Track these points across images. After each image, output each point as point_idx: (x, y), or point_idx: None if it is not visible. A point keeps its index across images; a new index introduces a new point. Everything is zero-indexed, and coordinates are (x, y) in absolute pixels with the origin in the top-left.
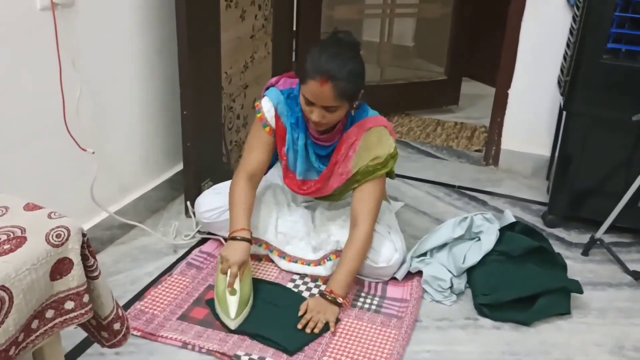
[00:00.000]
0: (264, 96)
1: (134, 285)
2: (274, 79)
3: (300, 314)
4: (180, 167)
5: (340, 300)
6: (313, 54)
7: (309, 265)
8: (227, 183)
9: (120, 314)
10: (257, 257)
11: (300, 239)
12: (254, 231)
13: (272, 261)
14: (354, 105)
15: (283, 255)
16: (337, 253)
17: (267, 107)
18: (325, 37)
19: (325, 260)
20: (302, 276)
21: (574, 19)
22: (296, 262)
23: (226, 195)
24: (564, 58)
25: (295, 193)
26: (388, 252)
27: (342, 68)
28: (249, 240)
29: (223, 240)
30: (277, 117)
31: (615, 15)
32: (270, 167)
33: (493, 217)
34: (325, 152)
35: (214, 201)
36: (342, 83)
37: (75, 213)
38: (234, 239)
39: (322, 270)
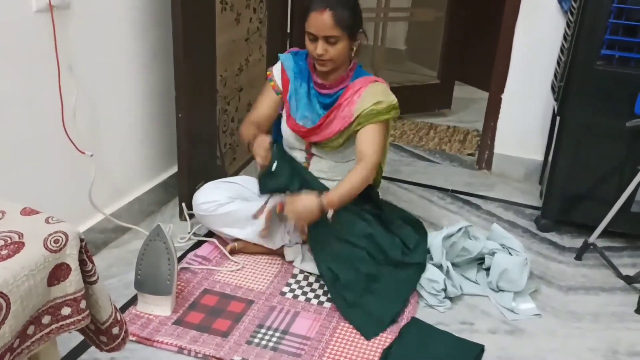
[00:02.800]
0: None
1: (128, 289)
2: (290, 50)
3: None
4: (174, 170)
5: (324, 202)
6: None
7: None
8: (227, 179)
9: (119, 318)
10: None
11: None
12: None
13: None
14: (355, 43)
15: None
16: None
17: (276, 65)
18: None
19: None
20: (297, 281)
21: (568, 25)
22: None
23: (224, 190)
24: (558, 64)
25: (296, 132)
26: None
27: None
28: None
29: (218, 243)
30: (283, 71)
31: (609, 22)
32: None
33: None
34: (329, 100)
35: (211, 194)
36: (340, 10)
37: (68, 216)
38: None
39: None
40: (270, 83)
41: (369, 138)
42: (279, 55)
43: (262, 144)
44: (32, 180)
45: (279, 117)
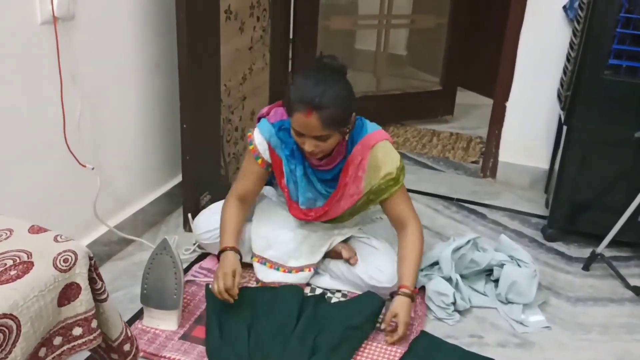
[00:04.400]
0: (256, 128)
1: (134, 303)
2: (265, 110)
3: (388, 328)
4: (177, 180)
5: (413, 294)
6: (296, 83)
7: (290, 272)
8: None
9: (129, 335)
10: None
11: (284, 243)
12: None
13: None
14: (347, 129)
15: (264, 261)
16: (311, 267)
17: (259, 140)
18: (310, 63)
19: (311, 269)
20: (305, 294)
21: (574, 34)
22: (277, 269)
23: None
24: (564, 72)
25: (304, 220)
26: (391, 272)
27: (326, 95)
28: (238, 252)
29: None
30: (272, 150)
31: (616, 31)
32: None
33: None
34: (330, 176)
35: (211, 222)
36: (327, 111)
37: (72, 229)
38: (223, 251)
39: (297, 279)
40: (258, 160)
41: (399, 206)
42: (259, 127)
43: (227, 277)
44: (35, 194)
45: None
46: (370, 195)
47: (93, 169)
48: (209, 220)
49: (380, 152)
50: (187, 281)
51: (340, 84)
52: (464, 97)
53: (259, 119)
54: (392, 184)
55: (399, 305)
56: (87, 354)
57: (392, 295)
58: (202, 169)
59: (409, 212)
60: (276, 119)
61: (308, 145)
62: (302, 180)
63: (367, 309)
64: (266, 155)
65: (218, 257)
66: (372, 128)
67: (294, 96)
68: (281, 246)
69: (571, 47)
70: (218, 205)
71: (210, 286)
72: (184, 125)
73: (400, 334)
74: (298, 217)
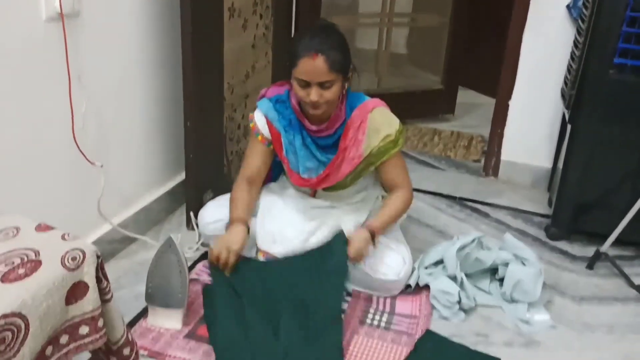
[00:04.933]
0: (256, 108)
1: (138, 301)
2: (263, 90)
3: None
4: (180, 178)
5: (375, 234)
6: (297, 38)
7: None
8: (229, 195)
9: (130, 339)
10: None
11: (290, 239)
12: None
13: None
14: (347, 81)
15: (269, 257)
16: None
17: (258, 116)
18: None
19: None
20: None
21: (578, 32)
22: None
23: (228, 207)
24: (568, 71)
25: (305, 186)
26: (397, 265)
27: (328, 41)
28: (247, 225)
29: None
30: (269, 124)
31: (622, 30)
32: (272, 180)
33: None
34: (330, 142)
35: (216, 213)
36: (332, 53)
37: (76, 227)
38: (234, 223)
39: None
40: (258, 137)
41: (395, 170)
42: (259, 105)
43: (230, 250)
44: (40, 192)
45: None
46: (371, 158)
47: (102, 166)
48: (215, 212)
49: (379, 115)
50: (191, 280)
51: (337, 34)
52: (465, 96)
53: (259, 99)
54: (391, 146)
55: (355, 235)
56: (88, 355)
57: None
58: (205, 167)
59: (403, 178)
60: (273, 94)
61: (313, 94)
62: (302, 149)
63: (333, 251)
64: (265, 130)
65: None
66: (369, 98)
67: (298, 46)
68: (287, 242)
69: (575, 45)
70: (224, 197)
71: (210, 247)
72: (188, 124)
73: (350, 255)
74: (299, 183)
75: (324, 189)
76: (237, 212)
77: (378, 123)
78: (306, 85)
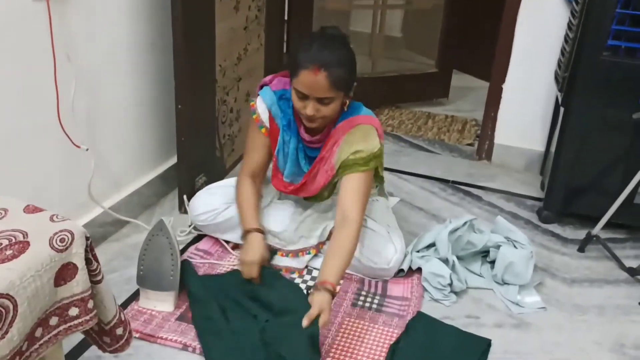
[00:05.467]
0: (257, 95)
1: (130, 284)
2: (267, 78)
3: (312, 316)
4: (172, 161)
5: (335, 291)
6: (303, 46)
7: (287, 256)
8: (220, 183)
9: (123, 319)
10: None
11: (279, 233)
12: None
13: None
14: (347, 99)
15: None
16: (317, 248)
17: (262, 108)
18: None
19: (304, 253)
20: (301, 276)
21: (572, 15)
22: (275, 252)
23: (220, 196)
24: (562, 53)
25: (282, 192)
26: (388, 254)
27: (334, 56)
28: (263, 233)
29: (222, 240)
30: (272, 119)
31: (616, 11)
32: None
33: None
34: (317, 153)
35: (208, 203)
36: (336, 70)
37: (67, 210)
38: (248, 233)
39: (295, 263)
40: (262, 130)
41: (352, 190)
42: (263, 95)
43: (252, 266)
44: (29, 174)
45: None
46: (340, 171)
47: (87, 149)
48: (205, 202)
49: (360, 132)
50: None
51: (347, 49)
52: (459, 79)
53: (260, 87)
54: (360, 162)
55: (323, 301)
56: (81, 337)
57: (312, 287)
58: (197, 150)
59: (358, 205)
60: (278, 87)
61: (310, 109)
62: (293, 154)
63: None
64: (268, 124)
65: (242, 237)
66: (366, 112)
67: (302, 56)
68: (278, 234)
69: (569, 28)
70: (214, 186)
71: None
72: (179, 106)
73: (320, 325)
74: (278, 187)
75: (305, 199)
76: (248, 221)
77: (355, 138)
78: (304, 97)
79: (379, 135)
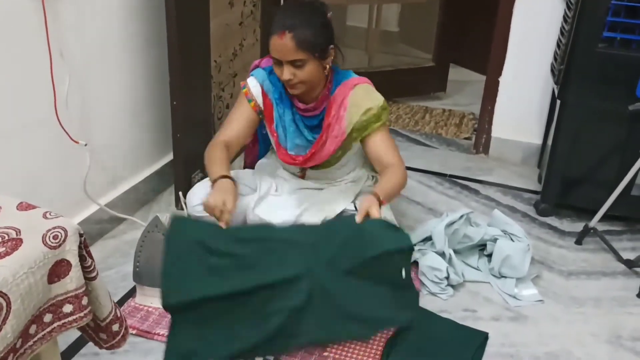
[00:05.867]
0: (249, 76)
1: (126, 281)
2: (257, 61)
3: (363, 212)
4: (168, 158)
5: (382, 202)
6: (275, 14)
7: None
8: None
9: (119, 315)
10: None
11: (279, 222)
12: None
13: None
14: (326, 61)
15: None
16: None
17: (253, 83)
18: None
19: None
20: None
21: (568, 7)
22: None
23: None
24: (558, 46)
25: (291, 164)
26: None
27: (301, 18)
28: (232, 178)
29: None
30: (264, 94)
31: (611, 3)
32: (259, 156)
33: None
34: (316, 121)
35: (205, 194)
36: (301, 31)
37: (63, 207)
38: (216, 181)
39: None
40: (250, 103)
41: (382, 147)
42: (254, 74)
43: (225, 204)
44: (24, 171)
45: (264, 131)
46: (354, 134)
47: (86, 145)
48: (203, 193)
49: (362, 90)
50: None
51: (317, 12)
52: (456, 73)
53: (252, 70)
54: (373, 119)
55: (371, 200)
56: (78, 334)
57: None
58: (193, 146)
59: (393, 155)
60: (268, 64)
61: (285, 73)
62: (291, 125)
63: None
64: (259, 99)
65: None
66: (357, 76)
67: (272, 22)
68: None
69: (565, 20)
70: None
71: (203, 202)
72: (174, 102)
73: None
74: (286, 161)
75: (312, 168)
76: (216, 170)
77: (359, 98)
78: (279, 63)
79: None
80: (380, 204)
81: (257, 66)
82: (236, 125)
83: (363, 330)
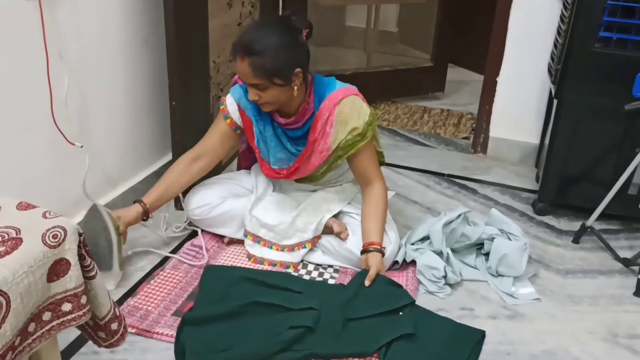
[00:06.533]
0: (229, 93)
1: (126, 280)
2: (236, 76)
3: (373, 276)
4: (167, 158)
5: (383, 250)
6: (241, 32)
7: (282, 250)
8: (216, 177)
9: (118, 314)
10: (259, 260)
11: (274, 225)
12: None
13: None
14: (294, 84)
15: (257, 239)
16: (313, 242)
17: (230, 101)
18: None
19: (300, 247)
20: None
21: (564, 7)
22: (271, 247)
23: (215, 191)
24: (555, 46)
25: (275, 179)
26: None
27: (260, 43)
28: (146, 211)
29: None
30: (242, 112)
31: (607, 3)
32: (255, 162)
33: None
34: (300, 133)
35: (203, 197)
36: (258, 58)
37: (62, 208)
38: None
39: (290, 258)
40: (226, 120)
41: (363, 163)
42: (231, 92)
43: (127, 218)
44: (22, 172)
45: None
46: (339, 151)
47: (82, 147)
48: (201, 196)
49: (347, 106)
50: (177, 259)
51: (282, 35)
52: (454, 73)
53: (233, 84)
54: (359, 138)
55: (378, 261)
56: (77, 332)
57: (362, 252)
58: (191, 147)
59: (374, 170)
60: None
61: (250, 94)
62: (272, 139)
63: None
64: (235, 115)
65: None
66: (341, 85)
67: (235, 41)
68: (272, 228)
69: (562, 20)
70: (211, 181)
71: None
72: (173, 103)
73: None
74: (270, 175)
75: (296, 180)
76: (150, 194)
77: (346, 115)
78: (244, 82)
79: (362, 101)
80: (383, 253)
81: (235, 82)
82: (212, 140)
83: (364, 347)
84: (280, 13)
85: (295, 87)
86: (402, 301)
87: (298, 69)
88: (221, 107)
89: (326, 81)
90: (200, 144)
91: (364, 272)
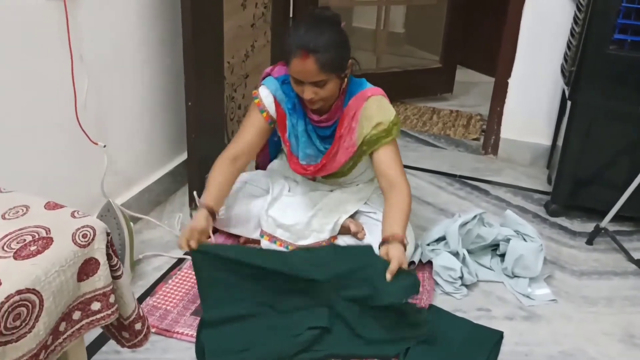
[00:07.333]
0: (261, 85)
1: (144, 280)
2: (269, 68)
3: (394, 270)
4: (181, 158)
5: (405, 243)
6: (291, 32)
7: None
8: None
9: (141, 314)
10: None
11: (291, 225)
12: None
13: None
14: (344, 76)
15: (274, 239)
16: (329, 242)
17: (265, 93)
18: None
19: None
20: None
21: (578, 9)
22: (287, 247)
23: (232, 190)
24: (568, 47)
25: (303, 175)
26: None
27: (320, 39)
28: (211, 211)
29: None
30: (277, 104)
31: (622, 5)
32: (272, 159)
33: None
34: (329, 132)
35: None
36: (324, 54)
37: (79, 207)
38: (198, 208)
39: None
40: (262, 114)
41: (387, 161)
42: (266, 83)
43: (194, 232)
44: (44, 170)
45: (276, 138)
46: (364, 147)
47: (105, 146)
48: None
49: (374, 104)
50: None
51: (335, 29)
52: (463, 75)
53: (263, 78)
54: (383, 135)
55: (400, 254)
56: (98, 331)
57: (382, 243)
58: (207, 147)
59: (398, 171)
60: (280, 73)
61: (307, 93)
62: (303, 135)
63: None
64: (272, 109)
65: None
66: (370, 86)
67: (289, 43)
68: (289, 228)
69: (575, 22)
70: None
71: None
72: (189, 103)
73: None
74: (297, 171)
75: (323, 177)
76: (207, 197)
77: (371, 111)
78: (300, 82)
79: (389, 103)
80: (405, 245)
81: (268, 74)
82: (248, 136)
83: (383, 349)
84: (291, 14)
85: (346, 79)
86: (409, 293)
87: (350, 60)
88: (255, 101)
89: (357, 80)
90: (235, 142)
91: (375, 257)
